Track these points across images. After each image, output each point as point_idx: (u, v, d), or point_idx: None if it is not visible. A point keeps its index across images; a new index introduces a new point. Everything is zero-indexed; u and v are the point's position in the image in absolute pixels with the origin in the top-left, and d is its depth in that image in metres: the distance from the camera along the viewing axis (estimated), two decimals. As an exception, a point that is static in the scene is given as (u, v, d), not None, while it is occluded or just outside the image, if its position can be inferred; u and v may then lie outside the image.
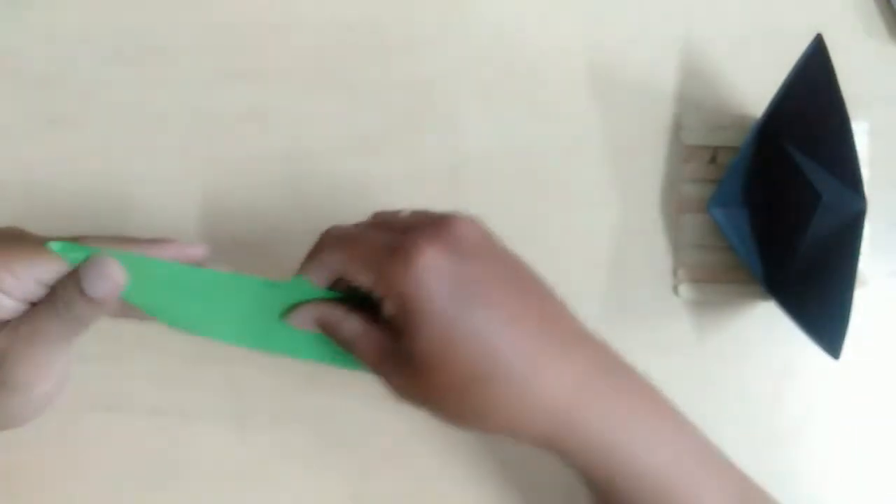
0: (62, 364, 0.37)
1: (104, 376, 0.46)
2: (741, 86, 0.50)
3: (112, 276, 0.35)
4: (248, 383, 0.47)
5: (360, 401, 0.47)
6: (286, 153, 0.48)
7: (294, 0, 0.49)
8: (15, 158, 0.48)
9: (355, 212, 0.48)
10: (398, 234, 0.35)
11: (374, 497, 0.47)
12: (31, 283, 0.35)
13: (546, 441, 0.35)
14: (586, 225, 0.49)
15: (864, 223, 0.43)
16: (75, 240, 0.36)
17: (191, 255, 0.37)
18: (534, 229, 0.48)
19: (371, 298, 0.36)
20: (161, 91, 0.48)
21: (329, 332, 0.38)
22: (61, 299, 0.35)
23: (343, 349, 0.38)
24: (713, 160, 0.49)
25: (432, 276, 0.34)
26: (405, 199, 0.48)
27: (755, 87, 0.49)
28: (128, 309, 0.38)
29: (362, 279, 0.35)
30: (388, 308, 0.35)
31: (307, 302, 0.38)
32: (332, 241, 0.36)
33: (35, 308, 0.35)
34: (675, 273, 0.49)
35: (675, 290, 0.49)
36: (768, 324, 0.49)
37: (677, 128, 0.50)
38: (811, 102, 0.44)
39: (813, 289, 0.44)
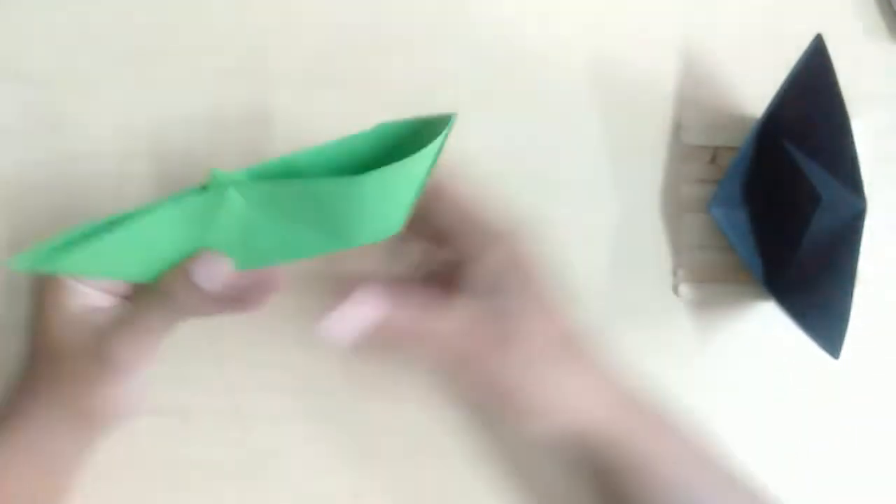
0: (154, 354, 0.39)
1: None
2: (741, 86, 0.50)
3: (220, 267, 0.37)
4: (248, 383, 0.47)
5: (361, 400, 0.47)
6: (286, 153, 0.48)
7: (294, 0, 0.49)
8: (15, 158, 0.47)
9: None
10: None
11: (374, 497, 0.47)
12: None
13: (593, 426, 0.38)
14: (586, 225, 0.49)
15: (864, 223, 0.43)
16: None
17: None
18: (533, 229, 0.48)
19: None
20: (161, 91, 0.48)
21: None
22: (170, 291, 0.37)
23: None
24: (713, 160, 0.49)
25: (533, 253, 0.38)
26: (405, 199, 0.48)
27: (755, 87, 0.49)
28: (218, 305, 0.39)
29: (474, 226, 0.37)
30: (491, 263, 0.37)
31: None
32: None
33: (142, 299, 0.38)
34: (675, 273, 0.49)
35: (675, 290, 0.49)
36: (768, 324, 0.49)
37: (677, 128, 0.50)
38: (811, 102, 0.44)
39: (813, 289, 0.44)
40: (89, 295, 0.38)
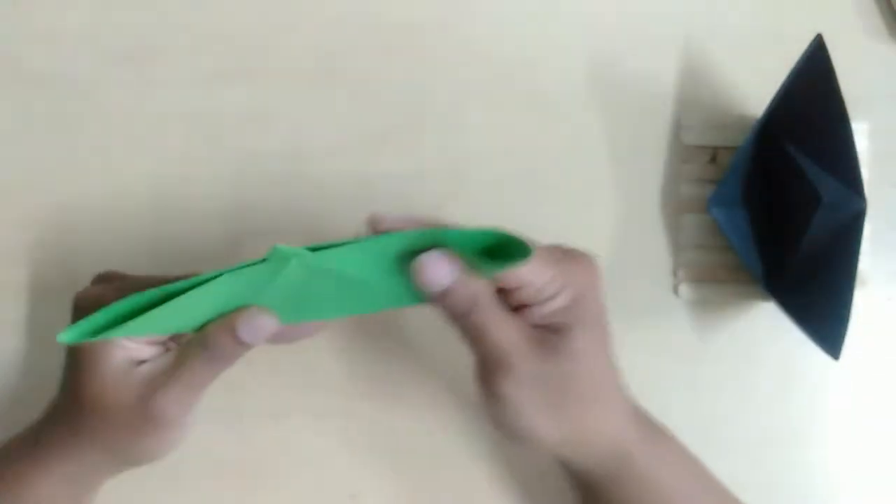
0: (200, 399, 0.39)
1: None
2: (741, 86, 0.50)
3: (266, 325, 0.37)
4: (248, 383, 0.47)
5: (361, 400, 0.47)
6: (286, 153, 0.48)
7: (294, 0, 0.49)
8: (15, 158, 0.48)
9: (356, 212, 0.48)
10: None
11: (374, 497, 0.47)
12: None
13: (614, 454, 0.39)
14: (586, 225, 0.49)
15: (864, 223, 0.43)
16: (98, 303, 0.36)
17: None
18: (534, 229, 0.48)
19: None
20: (161, 91, 0.48)
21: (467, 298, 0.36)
22: (215, 345, 0.36)
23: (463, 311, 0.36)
24: (713, 160, 0.49)
25: (602, 284, 0.38)
26: (405, 198, 0.48)
27: (755, 87, 0.49)
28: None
29: (540, 272, 0.36)
30: (559, 302, 0.37)
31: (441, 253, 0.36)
32: None
33: (186, 352, 0.37)
34: (675, 273, 0.49)
35: (675, 290, 0.49)
36: (768, 324, 0.49)
37: (677, 128, 0.50)
38: (811, 102, 0.44)
39: (813, 289, 0.44)
40: (131, 348, 0.37)
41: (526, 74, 0.50)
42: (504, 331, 0.36)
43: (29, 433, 0.40)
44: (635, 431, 0.39)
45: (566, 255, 0.38)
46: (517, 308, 0.37)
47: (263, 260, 0.34)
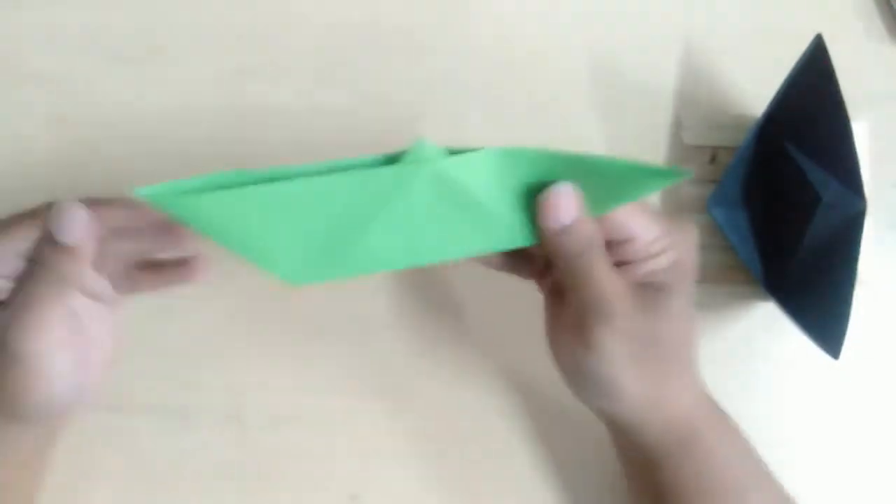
0: (69, 336, 0.37)
1: (104, 376, 0.46)
2: (741, 86, 0.50)
3: (76, 216, 0.35)
4: (248, 383, 0.47)
5: (360, 400, 0.47)
6: (286, 153, 0.48)
7: (294, 0, 0.49)
8: (15, 159, 0.48)
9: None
10: None
11: (373, 497, 0.47)
12: (11, 258, 0.36)
13: (685, 423, 0.39)
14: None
15: (864, 223, 0.43)
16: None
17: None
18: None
19: None
20: (161, 91, 0.48)
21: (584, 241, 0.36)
22: (39, 258, 0.35)
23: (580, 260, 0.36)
24: (713, 160, 0.49)
25: (698, 251, 0.39)
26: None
27: (755, 87, 0.49)
28: (131, 284, 0.38)
29: (649, 228, 0.37)
30: (662, 262, 0.37)
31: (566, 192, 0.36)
32: None
33: (22, 277, 0.36)
34: (675, 273, 0.49)
35: (675, 290, 0.49)
36: (768, 323, 0.49)
37: (677, 128, 0.50)
38: (811, 102, 0.44)
39: (813, 289, 0.44)
40: None
41: (526, 74, 0.50)
42: (610, 279, 0.36)
43: None
44: (702, 404, 0.39)
45: (672, 219, 0.38)
46: (618, 265, 0.37)
47: (390, 160, 0.31)
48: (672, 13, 0.50)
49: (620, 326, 0.36)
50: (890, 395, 0.49)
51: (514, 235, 0.36)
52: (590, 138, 0.50)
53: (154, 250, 0.39)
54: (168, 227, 0.38)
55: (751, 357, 0.49)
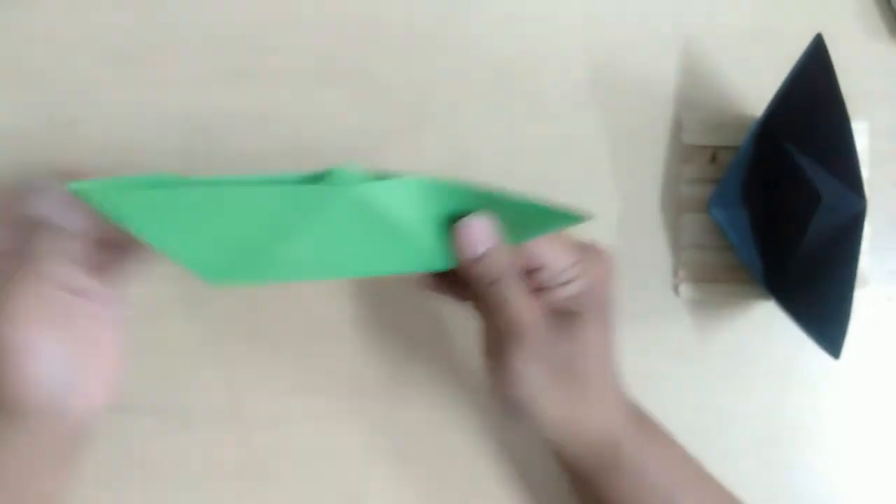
0: (56, 328, 0.37)
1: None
2: (741, 86, 0.50)
3: (54, 195, 0.36)
4: (248, 383, 0.47)
5: (360, 401, 0.47)
6: (286, 153, 0.48)
7: (294, 0, 0.49)
8: (15, 159, 0.47)
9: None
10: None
11: (374, 497, 0.47)
12: None
13: (605, 442, 0.40)
14: (586, 225, 0.49)
15: (864, 223, 0.43)
16: None
17: None
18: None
19: None
20: (161, 91, 0.48)
21: (494, 270, 0.37)
22: (28, 248, 0.36)
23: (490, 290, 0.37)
24: (713, 160, 0.49)
25: (615, 278, 0.40)
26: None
27: (755, 87, 0.49)
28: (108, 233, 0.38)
29: (561, 256, 0.38)
30: (574, 288, 0.38)
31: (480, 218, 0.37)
32: None
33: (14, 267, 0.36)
34: (675, 273, 0.49)
35: (675, 290, 0.49)
36: (768, 324, 0.49)
37: (677, 128, 0.50)
38: (811, 102, 0.44)
39: (813, 289, 0.44)
40: None
41: (526, 74, 0.50)
42: (524, 306, 0.37)
43: None
44: (626, 421, 0.40)
45: (586, 248, 0.40)
46: (534, 291, 0.39)
47: (315, 179, 0.32)
48: (672, 13, 0.50)
49: (535, 351, 0.37)
50: (890, 395, 0.49)
51: (432, 259, 0.37)
52: (590, 138, 0.50)
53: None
54: None
55: (751, 357, 0.49)
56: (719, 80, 0.50)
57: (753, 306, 0.49)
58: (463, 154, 0.49)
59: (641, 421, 0.42)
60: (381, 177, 0.35)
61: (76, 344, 0.37)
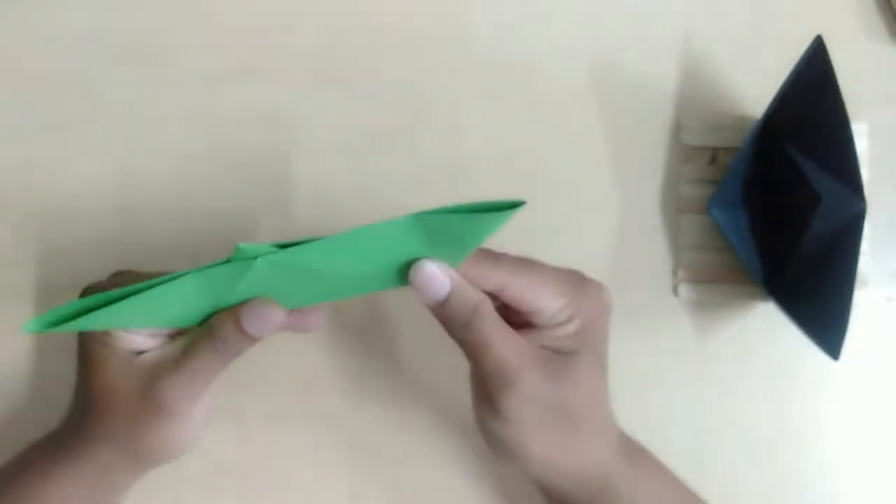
0: (212, 395, 0.39)
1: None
2: (741, 86, 0.50)
3: (272, 317, 0.36)
4: (248, 383, 0.47)
5: (360, 401, 0.47)
6: (286, 153, 0.48)
7: (294, 0, 0.49)
8: (15, 159, 0.48)
9: (355, 212, 0.48)
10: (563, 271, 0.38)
11: (374, 497, 0.47)
12: None
13: (597, 480, 0.39)
14: (586, 225, 0.49)
15: (864, 223, 0.43)
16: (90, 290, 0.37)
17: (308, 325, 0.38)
18: (533, 229, 0.48)
19: None
20: (161, 91, 0.48)
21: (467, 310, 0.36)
22: (220, 334, 0.36)
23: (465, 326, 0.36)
24: (713, 161, 0.49)
25: (609, 315, 0.39)
26: (405, 199, 0.48)
27: (755, 88, 0.49)
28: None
29: (554, 299, 0.37)
30: (568, 329, 0.37)
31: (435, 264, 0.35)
32: (510, 260, 0.37)
33: (195, 344, 0.36)
34: (675, 273, 0.49)
35: (675, 290, 0.49)
36: (768, 324, 0.49)
37: (677, 128, 0.50)
38: (811, 103, 0.44)
39: (813, 289, 0.44)
40: (132, 340, 0.36)
41: (526, 74, 0.50)
42: (509, 345, 0.36)
43: (51, 435, 0.40)
44: (618, 458, 0.39)
45: (579, 284, 0.38)
46: (523, 328, 0.37)
47: (228, 260, 0.34)
48: (672, 14, 0.50)
49: (526, 392, 0.36)
50: (890, 395, 0.49)
51: (385, 280, 0.36)
52: (590, 138, 0.50)
53: None
54: None
55: (751, 357, 0.49)
56: (719, 81, 0.50)
57: (753, 307, 0.49)
58: (463, 154, 0.49)
59: (634, 455, 0.41)
60: (286, 244, 0.34)
61: (210, 404, 0.39)
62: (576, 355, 0.37)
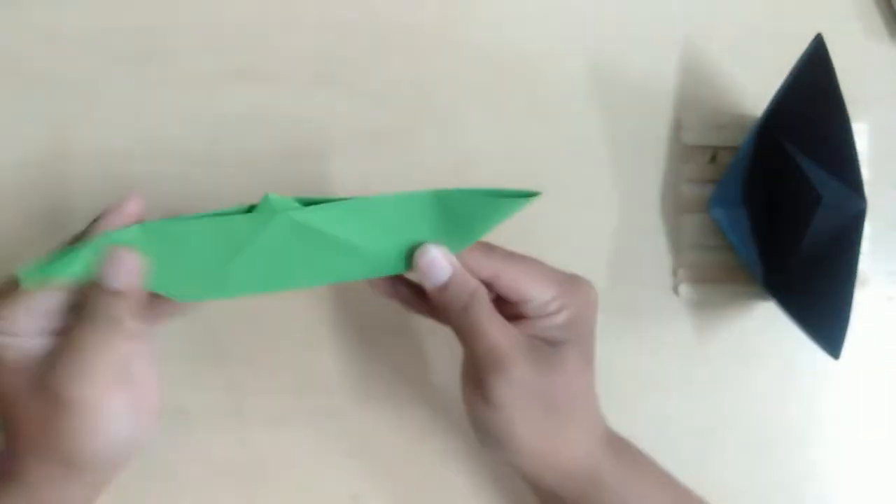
0: (119, 381, 0.37)
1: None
2: (741, 86, 0.50)
3: (125, 261, 0.36)
4: (248, 383, 0.47)
5: (360, 401, 0.47)
6: (286, 153, 0.48)
7: (294, 0, 0.49)
8: (14, 159, 0.48)
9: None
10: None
11: (374, 497, 0.47)
12: (42, 317, 0.37)
13: (584, 473, 0.39)
14: (586, 225, 0.49)
15: (864, 223, 0.43)
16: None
17: (130, 212, 0.38)
18: (533, 229, 0.48)
19: None
20: (161, 91, 0.48)
21: (463, 296, 0.38)
22: (89, 306, 0.36)
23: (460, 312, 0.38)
24: (713, 160, 0.49)
25: (597, 310, 0.40)
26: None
27: (755, 87, 0.49)
28: (158, 315, 0.39)
29: (545, 289, 0.38)
30: (557, 319, 0.38)
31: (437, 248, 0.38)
32: (503, 252, 0.39)
33: (72, 327, 0.36)
34: (675, 273, 0.49)
35: (675, 290, 0.49)
36: (768, 324, 0.49)
37: (677, 128, 0.50)
38: (811, 102, 0.44)
39: (813, 289, 0.44)
40: (11, 344, 0.36)
41: (526, 74, 0.50)
42: (501, 331, 0.37)
43: None
44: (604, 451, 0.40)
45: (568, 279, 0.39)
46: (514, 319, 0.38)
47: (250, 209, 0.34)
48: (672, 13, 0.50)
49: (515, 377, 0.37)
50: (890, 395, 0.49)
51: (387, 264, 0.38)
52: (590, 138, 0.50)
53: None
54: None
55: (751, 357, 0.49)
56: (719, 80, 0.50)
57: (753, 306, 0.49)
58: (463, 154, 0.49)
59: (620, 449, 0.41)
60: (311, 201, 0.36)
61: (134, 391, 0.38)
62: (564, 346, 0.38)
